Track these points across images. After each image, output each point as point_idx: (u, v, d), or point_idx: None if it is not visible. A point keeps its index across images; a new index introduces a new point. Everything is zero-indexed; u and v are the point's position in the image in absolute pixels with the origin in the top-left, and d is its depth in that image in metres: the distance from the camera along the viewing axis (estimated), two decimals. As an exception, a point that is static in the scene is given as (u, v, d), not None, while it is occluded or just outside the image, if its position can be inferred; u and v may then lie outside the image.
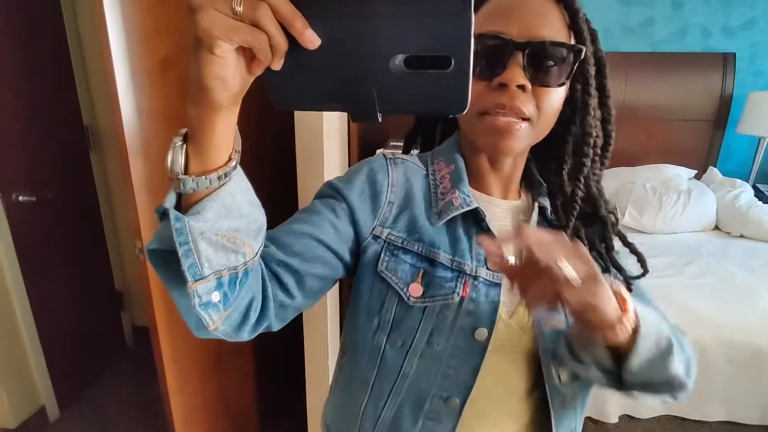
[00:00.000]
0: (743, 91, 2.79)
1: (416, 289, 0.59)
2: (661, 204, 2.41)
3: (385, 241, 0.61)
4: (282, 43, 0.33)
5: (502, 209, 0.66)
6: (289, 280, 0.56)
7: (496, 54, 0.54)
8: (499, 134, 0.56)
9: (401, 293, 0.60)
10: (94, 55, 2.23)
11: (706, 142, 2.92)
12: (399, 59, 0.34)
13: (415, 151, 0.75)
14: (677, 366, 0.53)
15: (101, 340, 2.40)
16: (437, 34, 0.33)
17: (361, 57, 0.34)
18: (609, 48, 2.78)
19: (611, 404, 1.68)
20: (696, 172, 2.80)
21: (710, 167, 2.85)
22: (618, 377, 0.54)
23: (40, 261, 1.98)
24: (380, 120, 0.37)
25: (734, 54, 2.79)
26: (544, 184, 0.69)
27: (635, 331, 0.50)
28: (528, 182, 0.71)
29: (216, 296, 0.43)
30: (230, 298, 0.45)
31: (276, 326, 0.57)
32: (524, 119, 0.55)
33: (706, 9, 2.79)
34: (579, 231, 0.66)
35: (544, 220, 0.67)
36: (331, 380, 0.78)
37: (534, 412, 0.66)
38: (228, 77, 0.34)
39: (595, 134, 0.60)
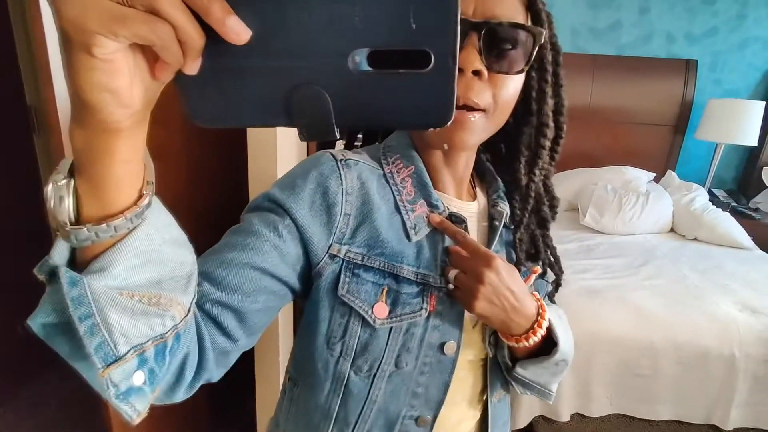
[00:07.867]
0: (703, 98, 2.86)
1: (381, 310, 0.53)
2: (621, 205, 2.45)
3: (343, 260, 0.53)
4: (196, 38, 0.24)
5: (468, 213, 0.62)
6: (229, 321, 0.47)
7: None
8: (452, 127, 0.49)
9: (366, 316, 0.53)
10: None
11: (666, 146, 3.00)
12: (361, 56, 0.26)
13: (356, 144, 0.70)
14: (557, 384, 0.63)
15: (45, 334, 2.27)
16: (411, 22, 0.25)
17: (308, 54, 0.25)
18: (576, 49, 2.85)
19: (563, 403, 1.68)
20: (655, 175, 2.87)
21: (669, 171, 2.92)
22: (509, 364, 0.63)
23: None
24: (338, 137, 0.28)
25: (696, 61, 2.86)
26: (500, 182, 0.65)
27: (541, 346, 0.58)
28: (481, 178, 0.68)
29: (139, 378, 0.32)
30: (159, 374, 0.35)
31: (217, 376, 0.48)
32: (479, 110, 0.50)
33: (672, 15, 2.85)
34: (530, 228, 0.64)
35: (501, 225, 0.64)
36: (276, 408, 0.69)
37: (483, 410, 0.68)
38: (121, 88, 0.24)
39: (551, 125, 0.57)
